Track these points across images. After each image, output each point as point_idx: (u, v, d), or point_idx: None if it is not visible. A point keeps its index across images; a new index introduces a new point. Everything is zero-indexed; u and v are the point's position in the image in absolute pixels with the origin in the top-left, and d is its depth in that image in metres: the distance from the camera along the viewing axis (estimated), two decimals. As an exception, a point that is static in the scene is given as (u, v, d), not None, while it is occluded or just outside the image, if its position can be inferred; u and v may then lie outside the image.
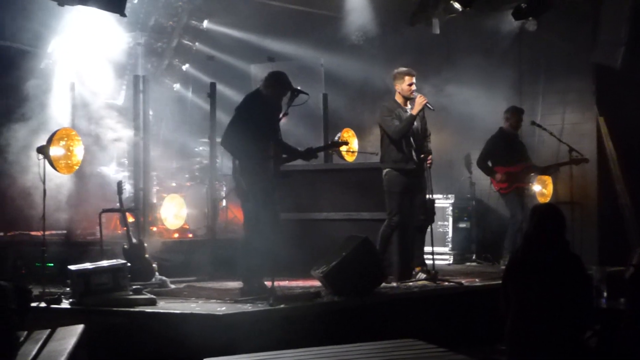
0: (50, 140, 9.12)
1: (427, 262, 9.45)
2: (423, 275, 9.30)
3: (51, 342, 6.13)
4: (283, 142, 8.54)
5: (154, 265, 9.03)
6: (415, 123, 9.30)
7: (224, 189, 11.97)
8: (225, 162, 12.02)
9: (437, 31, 12.47)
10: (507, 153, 11.28)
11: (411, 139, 9.30)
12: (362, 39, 12.89)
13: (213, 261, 10.15)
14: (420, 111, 9.25)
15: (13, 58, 10.80)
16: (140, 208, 10.43)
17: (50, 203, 8.78)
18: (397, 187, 9.27)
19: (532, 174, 11.49)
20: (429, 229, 9.42)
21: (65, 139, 9.50)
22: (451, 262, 12.24)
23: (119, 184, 9.40)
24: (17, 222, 10.06)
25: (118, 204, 9.36)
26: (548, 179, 11.92)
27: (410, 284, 9.16)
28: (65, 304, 7.70)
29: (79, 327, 6.50)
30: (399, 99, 9.44)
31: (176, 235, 11.10)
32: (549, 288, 5.72)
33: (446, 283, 9.24)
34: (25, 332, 6.30)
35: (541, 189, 11.90)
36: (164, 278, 8.94)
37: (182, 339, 6.81)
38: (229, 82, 13.14)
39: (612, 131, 12.32)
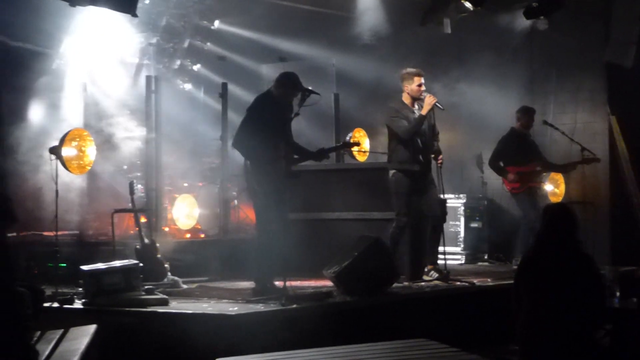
0: (62, 141, 9.14)
1: (439, 262, 9.44)
2: (435, 274, 9.30)
3: (64, 342, 6.16)
4: (294, 142, 8.51)
5: (166, 265, 9.05)
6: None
7: (236, 188, 11.97)
8: (235, 162, 12.02)
9: (449, 30, 12.45)
10: (518, 153, 11.24)
11: (418, 140, 9.25)
12: (374, 39, 12.84)
13: (225, 261, 10.15)
14: (429, 111, 9.20)
15: (25, 58, 10.80)
16: (152, 208, 10.45)
17: (62, 203, 8.79)
18: (403, 188, 9.23)
19: (545, 174, 11.46)
20: (441, 229, 9.43)
21: (78, 139, 9.52)
22: (463, 262, 12.20)
23: (131, 184, 9.42)
24: (28, 222, 10.08)
25: (130, 204, 9.38)
26: (560, 179, 11.90)
27: (422, 283, 9.16)
28: (77, 304, 7.72)
29: (92, 327, 6.54)
30: (406, 99, 9.36)
31: (188, 235, 11.10)
32: (561, 288, 5.71)
33: (458, 283, 9.23)
34: (39, 332, 6.33)
35: (553, 188, 11.89)
36: (175, 278, 8.97)
37: (194, 339, 6.83)
38: (240, 82, 13.12)
39: (624, 130, 12.28)
